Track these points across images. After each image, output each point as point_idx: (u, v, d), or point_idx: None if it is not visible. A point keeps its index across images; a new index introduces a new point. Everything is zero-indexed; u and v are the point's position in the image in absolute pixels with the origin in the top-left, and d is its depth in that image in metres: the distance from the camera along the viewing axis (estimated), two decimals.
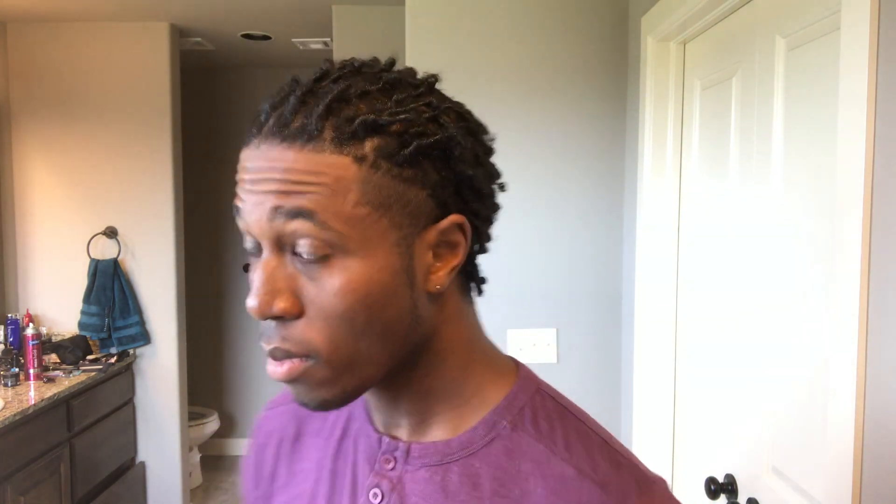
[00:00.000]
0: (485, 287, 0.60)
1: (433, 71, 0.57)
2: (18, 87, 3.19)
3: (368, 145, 0.49)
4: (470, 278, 0.58)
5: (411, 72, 0.56)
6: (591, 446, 0.54)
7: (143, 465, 3.31)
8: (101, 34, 3.19)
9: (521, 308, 2.08)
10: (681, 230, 1.82)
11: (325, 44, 3.57)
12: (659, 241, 1.84)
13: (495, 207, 0.57)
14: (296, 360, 0.50)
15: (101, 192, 3.23)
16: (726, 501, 1.48)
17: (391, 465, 0.56)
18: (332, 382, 0.51)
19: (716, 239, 1.60)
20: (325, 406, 0.52)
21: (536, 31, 2.04)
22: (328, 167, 0.48)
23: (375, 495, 0.56)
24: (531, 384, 0.58)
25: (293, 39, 3.55)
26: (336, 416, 0.63)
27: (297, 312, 0.49)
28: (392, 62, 0.57)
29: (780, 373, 1.30)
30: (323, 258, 0.49)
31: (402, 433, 0.58)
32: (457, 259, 0.53)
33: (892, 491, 0.90)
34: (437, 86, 0.57)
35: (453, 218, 0.52)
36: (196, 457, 3.96)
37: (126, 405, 3.21)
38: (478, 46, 2.03)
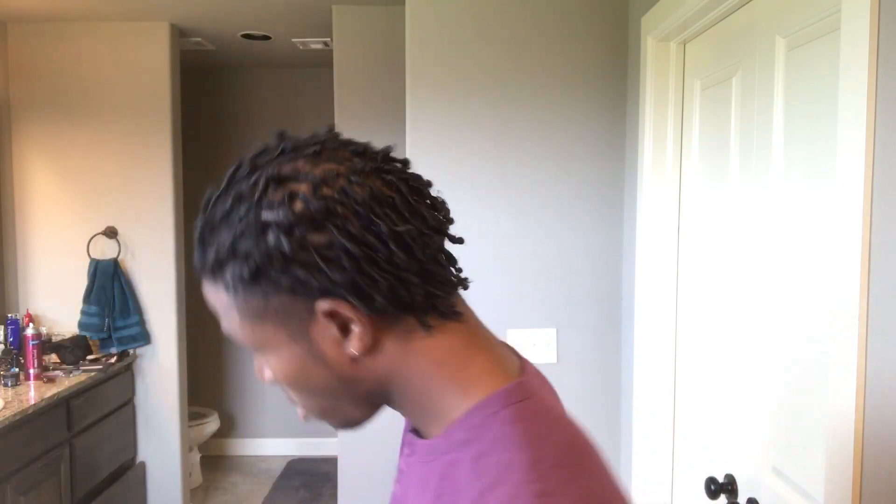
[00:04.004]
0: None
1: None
2: (18, 87, 3.19)
3: (228, 273, 0.57)
4: (423, 314, 0.59)
5: (274, 171, 0.57)
6: (503, 479, 0.52)
7: (143, 465, 3.31)
8: (101, 34, 3.19)
9: (521, 308, 2.08)
10: (681, 230, 1.82)
11: (325, 44, 3.57)
12: (659, 240, 1.84)
13: (394, 277, 0.56)
14: (299, 408, 0.65)
15: (101, 192, 3.23)
16: (726, 501, 1.48)
17: (409, 452, 0.65)
18: (330, 421, 0.65)
19: (716, 239, 1.59)
20: (345, 429, 0.67)
21: (536, 31, 2.04)
22: (215, 297, 0.60)
23: (402, 472, 0.66)
24: (497, 403, 0.58)
25: (293, 39, 3.55)
26: None
27: (276, 382, 0.63)
28: (265, 148, 0.60)
29: (781, 373, 1.30)
30: (259, 353, 0.62)
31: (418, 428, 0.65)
32: (358, 329, 0.57)
33: (893, 491, 0.90)
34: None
35: (319, 307, 0.56)
36: (196, 457, 3.96)
37: (126, 405, 3.21)
38: (477, 46, 2.04)
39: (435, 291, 0.58)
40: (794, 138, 1.25)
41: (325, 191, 0.55)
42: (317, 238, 0.54)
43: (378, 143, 0.60)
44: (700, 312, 1.70)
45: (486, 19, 2.03)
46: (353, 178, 0.56)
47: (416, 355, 0.59)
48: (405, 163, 0.62)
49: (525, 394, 0.59)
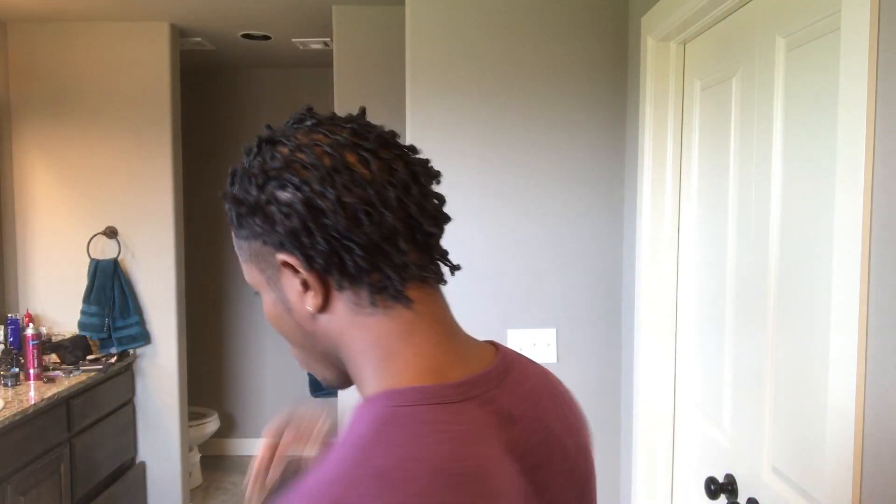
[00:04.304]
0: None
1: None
2: (18, 87, 3.19)
3: (230, 215, 0.66)
4: (374, 292, 0.62)
5: (282, 132, 0.65)
6: (321, 471, 0.53)
7: (143, 465, 3.31)
8: (101, 34, 3.19)
9: (521, 308, 2.08)
10: (681, 229, 1.82)
11: (325, 44, 3.57)
12: (659, 240, 1.84)
13: (339, 243, 0.60)
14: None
15: (101, 192, 3.23)
16: (726, 501, 1.48)
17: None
18: (313, 371, 0.71)
19: (715, 238, 1.60)
20: (327, 386, 0.72)
21: (536, 31, 2.04)
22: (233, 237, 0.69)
23: None
24: (386, 400, 0.58)
25: (293, 39, 3.55)
26: None
27: None
28: (291, 120, 0.68)
29: (781, 373, 1.30)
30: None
31: None
32: (312, 287, 0.62)
33: (893, 491, 0.90)
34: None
35: (279, 258, 0.62)
36: (196, 457, 3.96)
37: (126, 405, 3.21)
38: (477, 46, 2.04)
39: (386, 271, 0.61)
40: (793, 138, 1.25)
41: (299, 155, 0.61)
42: (281, 194, 0.60)
43: None
44: (700, 312, 1.70)
45: (486, 19, 2.03)
46: (327, 149, 0.61)
47: (358, 328, 0.63)
48: (412, 149, 0.65)
49: (419, 400, 0.58)
